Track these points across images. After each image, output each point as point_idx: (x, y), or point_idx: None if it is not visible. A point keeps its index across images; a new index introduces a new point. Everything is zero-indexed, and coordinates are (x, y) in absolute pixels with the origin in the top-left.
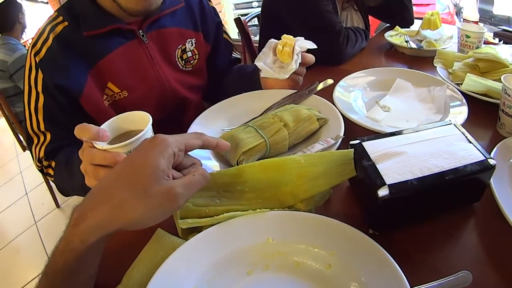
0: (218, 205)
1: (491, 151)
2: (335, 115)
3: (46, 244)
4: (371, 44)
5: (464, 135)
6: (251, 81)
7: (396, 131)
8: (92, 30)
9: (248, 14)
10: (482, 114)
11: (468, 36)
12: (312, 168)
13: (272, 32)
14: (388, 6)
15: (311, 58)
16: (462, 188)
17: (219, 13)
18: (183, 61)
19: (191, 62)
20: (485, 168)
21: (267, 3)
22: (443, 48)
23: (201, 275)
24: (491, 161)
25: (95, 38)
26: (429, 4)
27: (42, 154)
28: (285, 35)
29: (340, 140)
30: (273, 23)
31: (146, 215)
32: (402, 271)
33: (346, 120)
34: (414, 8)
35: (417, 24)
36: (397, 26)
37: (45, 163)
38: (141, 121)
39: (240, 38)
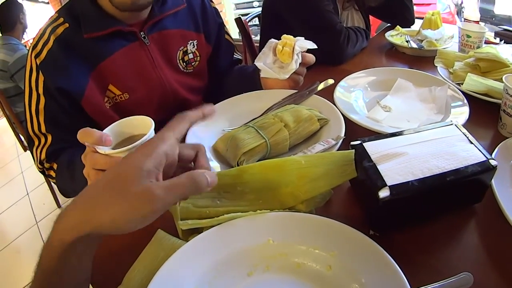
0: (218, 206)
1: (492, 151)
2: (336, 116)
3: None
4: (371, 44)
5: (465, 135)
6: (252, 81)
7: (397, 132)
8: (93, 32)
9: (248, 14)
10: (483, 114)
11: (469, 36)
12: (313, 169)
13: (273, 32)
14: (389, 6)
15: (311, 58)
16: (463, 189)
17: (220, 13)
18: (184, 63)
19: (192, 64)
20: (486, 169)
21: (268, 3)
22: (444, 48)
23: (202, 276)
24: (493, 162)
25: (96, 40)
26: (430, 4)
27: (43, 156)
28: (285, 35)
29: (341, 140)
30: (274, 23)
31: (120, 217)
32: (403, 273)
33: (347, 120)
34: (415, 7)
35: (418, 23)
36: (398, 26)
37: (46, 165)
38: (143, 125)
39: (240, 38)
